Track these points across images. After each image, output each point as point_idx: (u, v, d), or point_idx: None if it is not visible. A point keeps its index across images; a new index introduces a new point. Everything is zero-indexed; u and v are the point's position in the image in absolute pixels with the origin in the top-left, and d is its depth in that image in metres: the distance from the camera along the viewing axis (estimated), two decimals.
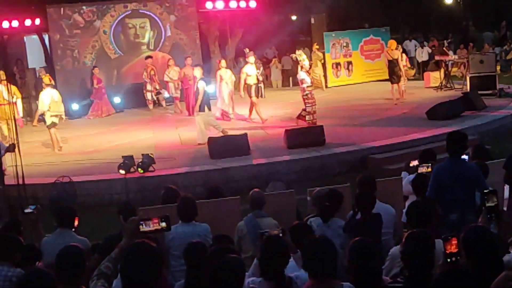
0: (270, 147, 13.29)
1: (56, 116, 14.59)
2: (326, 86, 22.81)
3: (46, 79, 15.18)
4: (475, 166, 6.28)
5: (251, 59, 16.81)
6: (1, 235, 5.83)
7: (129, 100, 21.37)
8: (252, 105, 16.48)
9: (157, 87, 19.94)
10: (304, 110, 14.94)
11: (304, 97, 14.89)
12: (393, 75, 17.56)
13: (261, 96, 17.17)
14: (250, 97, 16.43)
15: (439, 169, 6.22)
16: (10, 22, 20.14)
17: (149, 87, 19.91)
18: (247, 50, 17.75)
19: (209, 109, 14.30)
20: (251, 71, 16.73)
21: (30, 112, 20.02)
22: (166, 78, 19.30)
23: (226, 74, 17.07)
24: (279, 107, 18.55)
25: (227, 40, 25.28)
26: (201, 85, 13.96)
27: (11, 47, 22.94)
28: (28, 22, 20.66)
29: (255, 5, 23.69)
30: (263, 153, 12.81)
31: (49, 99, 14.48)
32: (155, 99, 20.26)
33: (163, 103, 20.40)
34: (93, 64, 21.31)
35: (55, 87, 15.88)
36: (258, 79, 17.66)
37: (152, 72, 19.78)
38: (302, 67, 15.52)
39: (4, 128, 14.10)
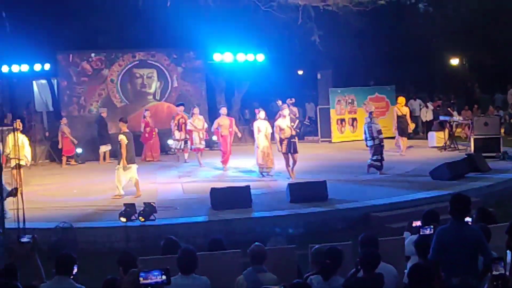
0: (272, 200, 13.25)
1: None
2: (331, 141, 22.86)
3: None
4: (479, 230, 6.24)
5: (285, 111, 15.67)
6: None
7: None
8: (286, 159, 15.67)
9: (186, 136, 19.08)
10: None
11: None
12: (402, 129, 18.98)
13: (295, 151, 15.24)
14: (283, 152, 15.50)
15: (442, 231, 6.17)
16: (20, 66, 20.42)
17: (177, 135, 19.21)
18: (279, 102, 17.16)
19: None
20: (283, 124, 15.58)
21: (35, 156, 20.16)
22: (189, 127, 18.61)
23: (262, 125, 16.10)
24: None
25: (234, 91, 25.53)
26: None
27: (20, 91, 23.21)
28: (37, 67, 20.95)
29: (263, 58, 24.02)
30: (265, 206, 12.76)
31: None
32: (181, 148, 19.36)
33: (186, 154, 19.49)
34: (99, 110, 21.47)
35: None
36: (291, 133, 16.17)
37: (182, 121, 19.13)
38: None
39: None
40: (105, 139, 20.59)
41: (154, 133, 20.34)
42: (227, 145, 17.45)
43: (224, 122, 17.51)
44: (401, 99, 19.69)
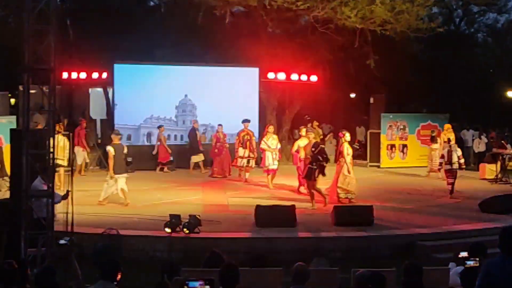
0: (317, 221, 13.19)
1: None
2: (379, 166, 22.64)
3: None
4: None
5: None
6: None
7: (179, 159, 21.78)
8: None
9: (251, 154, 18.63)
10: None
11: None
12: None
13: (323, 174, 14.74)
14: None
15: (491, 264, 6.04)
16: (78, 74, 20.92)
17: (241, 152, 18.65)
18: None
19: None
20: (302, 143, 15.93)
21: (92, 161, 20.63)
22: (263, 146, 17.60)
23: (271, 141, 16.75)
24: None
25: (285, 111, 25.59)
26: None
27: (77, 98, 23.78)
28: (95, 75, 21.43)
29: (316, 79, 24.05)
30: (309, 227, 12.71)
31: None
32: (244, 166, 18.80)
33: (247, 174, 18.84)
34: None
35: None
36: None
37: (247, 137, 18.60)
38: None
39: (123, 184, 14.68)
40: (197, 149, 20.96)
41: (225, 149, 19.94)
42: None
43: (305, 144, 15.95)
44: (447, 126, 21.07)
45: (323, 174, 14.77)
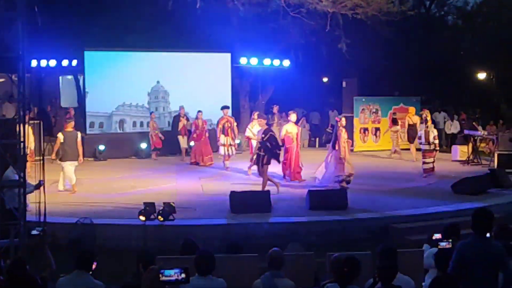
0: (292, 206, 13.22)
1: None
2: (352, 150, 22.74)
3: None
4: (501, 246, 6.17)
5: (293, 117, 16.01)
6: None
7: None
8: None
9: (231, 142, 18.30)
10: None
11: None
12: (411, 137, 20.64)
13: (277, 161, 14.94)
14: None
15: (464, 246, 6.11)
16: (48, 61, 20.62)
17: (222, 140, 18.28)
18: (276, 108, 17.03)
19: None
20: (291, 129, 15.92)
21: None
22: (248, 133, 17.19)
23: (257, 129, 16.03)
24: (306, 167, 18.19)
25: (258, 95, 25.57)
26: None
27: (47, 86, 23.47)
28: (65, 63, 21.14)
29: (288, 64, 24.05)
30: (285, 211, 12.74)
31: None
32: (228, 154, 18.44)
33: (227, 162, 18.46)
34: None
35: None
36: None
37: (228, 125, 18.21)
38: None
39: (71, 172, 14.70)
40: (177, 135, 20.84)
41: (203, 136, 19.36)
42: (292, 158, 15.91)
43: (293, 130, 15.95)
44: (412, 109, 21.59)
45: (278, 161, 14.88)
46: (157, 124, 21.38)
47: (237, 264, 7.29)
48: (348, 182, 14.92)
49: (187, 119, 20.69)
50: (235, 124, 18.88)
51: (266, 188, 13.94)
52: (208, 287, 6.00)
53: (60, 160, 14.69)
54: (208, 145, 19.53)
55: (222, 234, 11.40)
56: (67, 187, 14.85)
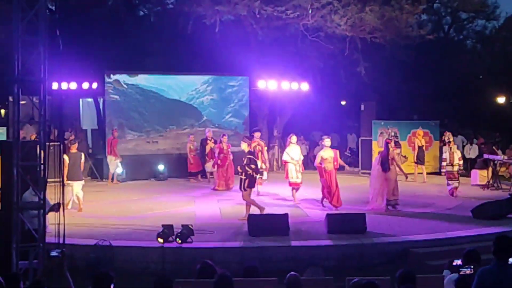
0: (310, 229, 13.16)
1: None
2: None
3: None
4: None
5: (327, 142, 15.60)
6: None
7: (172, 169, 21.75)
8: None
9: (263, 165, 17.29)
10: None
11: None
12: (419, 158, 21.70)
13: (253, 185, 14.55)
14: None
15: (485, 272, 6.04)
16: (68, 84, 20.83)
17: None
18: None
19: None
20: (326, 154, 15.50)
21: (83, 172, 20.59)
22: (286, 158, 16.33)
23: (294, 151, 15.94)
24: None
25: (276, 119, 25.60)
26: None
27: (67, 108, 23.66)
28: (85, 86, 21.34)
29: (307, 87, 24.08)
30: (303, 235, 12.67)
31: None
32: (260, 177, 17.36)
33: (259, 186, 17.48)
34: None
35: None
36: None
37: (259, 148, 17.27)
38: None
39: (79, 191, 15.43)
40: (204, 158, 20.85)
41: (228, 160, 18.83)
42: (332, 182, 15.45)
43: (329, 154, 15.51)
44: (420, 131, 22.76)
45: (254, 185, 14.59)
46: (194, 146, 21.20)
47: None
48: (397, 205, 15.34)
49: (215, 142, 20.11)
50: (265, 148, 18.46)
51: (286, 211, 13.82)
52: None
53: (68, 180, 14.89)
54: (232, 169, 18.89)
55: (239, 257, 11.37)
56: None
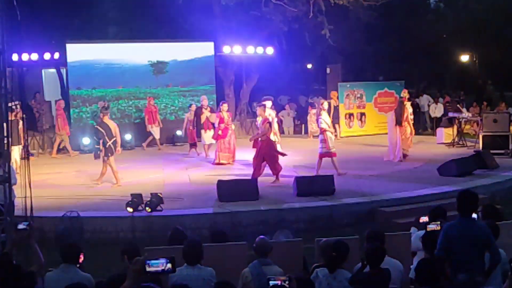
0: (279, 193, 13.23)
1: None
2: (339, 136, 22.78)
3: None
4: (486, 227, 6.22)
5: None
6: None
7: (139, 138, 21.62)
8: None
9: (275, 138, 16.19)
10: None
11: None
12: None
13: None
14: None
15: (449, 227, 6.16)
16: (29, 55, 20.41)
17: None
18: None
19: None
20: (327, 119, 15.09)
21: (43, 145, 20.23)
22: (324, 125, 14.77)
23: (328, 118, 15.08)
24: (292, 154, 17.95)
25: (242, 84, 25.51)
26: None
27: (29, 80, 23.26)
28: (47, 56, 20.94)
29: (272, 52, 23.99)
30: (272, 199, 12.75)
31: None
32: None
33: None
34: None
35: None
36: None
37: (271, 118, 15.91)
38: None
39: (17, 155, 14.62)
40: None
41: (230, 130, 17.11)
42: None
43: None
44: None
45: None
46: (191, 116, 19.40)
47: (225, 253, 7.29)
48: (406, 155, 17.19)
49: (212, 111, 18.45)
50: (275, 119, 17.38)
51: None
52: (197, 276, 6.01)
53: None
54: (235, 140, 17.50)
55: (210, 223, 11.42)
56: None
